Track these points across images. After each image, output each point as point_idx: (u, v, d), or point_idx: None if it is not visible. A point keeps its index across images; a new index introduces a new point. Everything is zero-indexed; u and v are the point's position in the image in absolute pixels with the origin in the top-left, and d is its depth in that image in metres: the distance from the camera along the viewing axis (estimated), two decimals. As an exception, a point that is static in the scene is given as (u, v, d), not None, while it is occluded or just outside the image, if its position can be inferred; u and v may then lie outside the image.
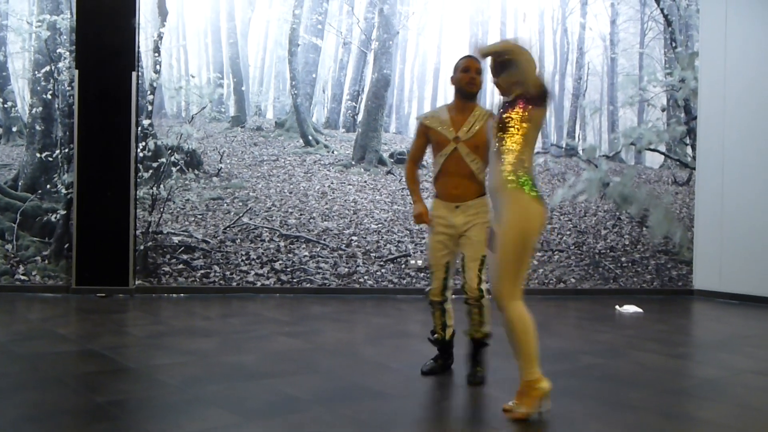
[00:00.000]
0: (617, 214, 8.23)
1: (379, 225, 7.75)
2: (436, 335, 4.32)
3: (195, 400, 3.63)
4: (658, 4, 8.41)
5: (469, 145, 4.08)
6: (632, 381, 4.25)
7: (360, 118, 7.95)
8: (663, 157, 8.41)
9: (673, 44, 8.38)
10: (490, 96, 7.29)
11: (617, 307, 7.10)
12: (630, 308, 7.01)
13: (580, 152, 8.24)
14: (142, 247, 7.32)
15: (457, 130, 4.10)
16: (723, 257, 7.96)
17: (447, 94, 8.11)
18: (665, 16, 8.41)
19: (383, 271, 7.74)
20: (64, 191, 7.27)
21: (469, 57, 4.19)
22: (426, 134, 4.24)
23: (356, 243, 7.71)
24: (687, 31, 8.39)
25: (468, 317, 4.16)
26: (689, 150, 8.37)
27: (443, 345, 4.31)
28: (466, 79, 4.12)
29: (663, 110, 8.42)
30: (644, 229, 8.25)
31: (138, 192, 7.31)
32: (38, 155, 7.29)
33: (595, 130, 8.42)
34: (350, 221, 7.72)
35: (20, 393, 3.72)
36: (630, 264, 8.20)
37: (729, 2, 8.02)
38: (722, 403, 3.87)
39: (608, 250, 8.18)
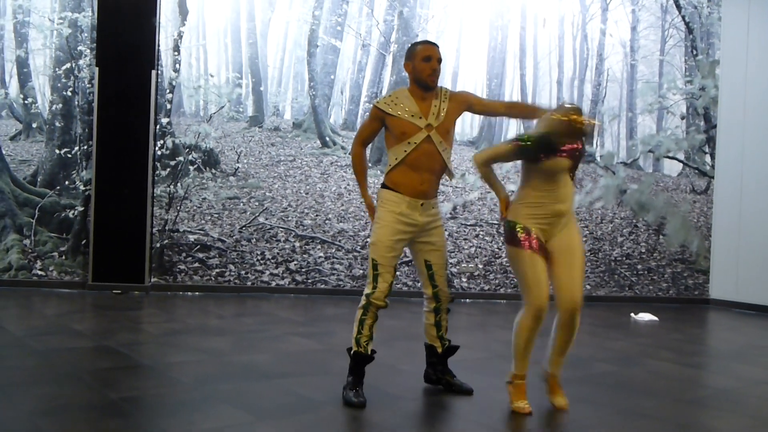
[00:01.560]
0: (634, 221, 8.18)
1: (395, 227, 7.73)
2: (357, 349, 3.76)
3: (208, 398, 3.65)
4: (680, 12, 8.36)
5: (441, 131, 3.71)
6: (646, 389, 4.23)
7: (377, 120, 7.94)
8: (681, 165, 8.36)
9: (694, 52, 8.32)
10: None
11: (632, 314, 7.06)
12: (645, 316, 6.97)
13: (598, 159, 8.21)
14: (158, 245, 7.36)
15: (427, 117, 3.70)
16: (740, 267, 7.89)
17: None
18: (686, 24, 8.35)
19: (397, 273, 7.72)
20: (82, 188, 7.32)
21: (429, 43, 3.78)
22: (382, 120, 3.84)
23: (371, 245, 7.70)
24: (708, 39, 8.33)
25: (437, 326, 3.99)
26: (708, 158, 8.31)
27: (364, 362, 3.78)
28: (428, 71, 3.69)
29: (682, 118, 8.36)
30: (661, 237, 8.20)
31: (155, 190, 7.35)
32: (57, 151, 7.35)
33: (613, 136, 8.39)
34: (366, 223, 7.71)
35: (36, 387, 3.75)
36: (646, 272, 8.15)
37: (751, 11, 7.96)
38: (736, 414, 3.84)
39: (624, 258, 8.13)
